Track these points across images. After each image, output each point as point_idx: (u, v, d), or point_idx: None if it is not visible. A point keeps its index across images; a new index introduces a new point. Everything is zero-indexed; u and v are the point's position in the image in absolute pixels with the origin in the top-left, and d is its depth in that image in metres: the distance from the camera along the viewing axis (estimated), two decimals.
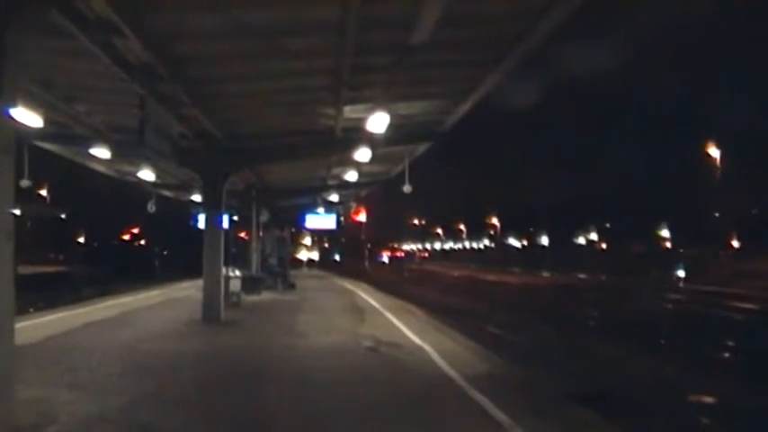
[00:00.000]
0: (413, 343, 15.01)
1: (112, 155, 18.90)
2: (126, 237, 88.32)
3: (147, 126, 12.61)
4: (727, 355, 18.58)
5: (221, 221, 19.87)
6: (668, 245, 72.17)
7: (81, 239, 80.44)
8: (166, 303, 24.61)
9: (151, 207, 33.40)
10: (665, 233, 74.49)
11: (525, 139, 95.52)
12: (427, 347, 14.15)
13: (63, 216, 72.87)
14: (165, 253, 64.69)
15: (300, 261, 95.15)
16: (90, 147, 18.09)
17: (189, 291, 28.33)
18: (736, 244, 56.18)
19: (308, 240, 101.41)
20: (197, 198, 30.51)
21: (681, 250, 61.77)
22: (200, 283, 20.05)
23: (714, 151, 50.41)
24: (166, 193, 34.11)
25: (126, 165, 24.21)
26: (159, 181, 28.81)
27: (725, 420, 11.48)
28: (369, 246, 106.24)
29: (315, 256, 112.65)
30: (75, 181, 43.20)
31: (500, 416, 8.43)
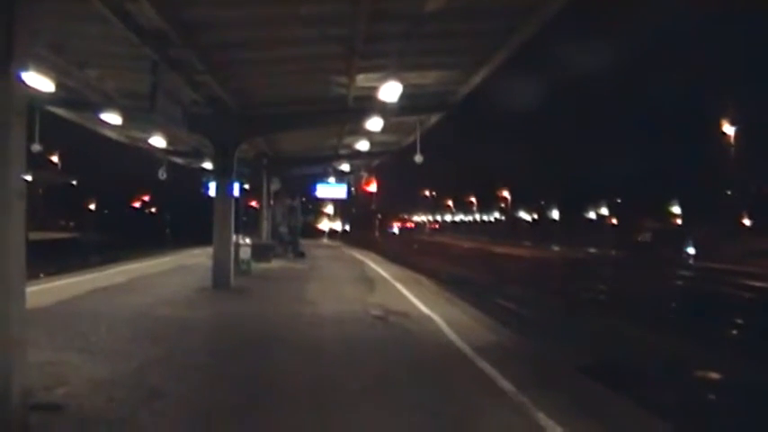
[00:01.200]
0: (421, 313, 15.05)
1: (124, 121, 18.89)
2: (137, 204, 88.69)
3: (158, 92, 12.60)
4: (735, 332, 18.56)
5: (232, 189, 19.89)
6: (679, 221, 71.88)
7: (92, 206, 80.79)
8: (176, 270, 24.71)
9: (162, 174, 33.41)
10: (676, 210, 74.18)
11: (539, 113, 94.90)
12: (436, 317, 14.19)
13: (74, 183, 73.23)
14: (174, 220, 64.79)
15: (321, 231, 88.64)
16: (101, 112, 18.08)
17: (199, 258, 28.44)
18: (747, 222, 55.94)
19: (329, 209, 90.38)
20: (208, 165, 30.51)
21: (682, 228, 61.63)
22: (210, 250, 20.11)
23: (728, 128, 50.12)
24: (177, 160, 34.11)
25: (137, 131, 24.22)
26: (170, 148, 28.82)
27: (732, 395, 11.50)
28: (379, 216, 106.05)
29: (337, 226, 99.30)
30: (87, 148, 43.31)
31: (506, 385, 8.46)
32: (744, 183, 55.55)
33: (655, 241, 54.45)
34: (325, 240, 73.17)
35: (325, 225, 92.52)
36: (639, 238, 57.66)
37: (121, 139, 26.58)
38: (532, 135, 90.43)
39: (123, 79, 16.16)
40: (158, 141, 24.14)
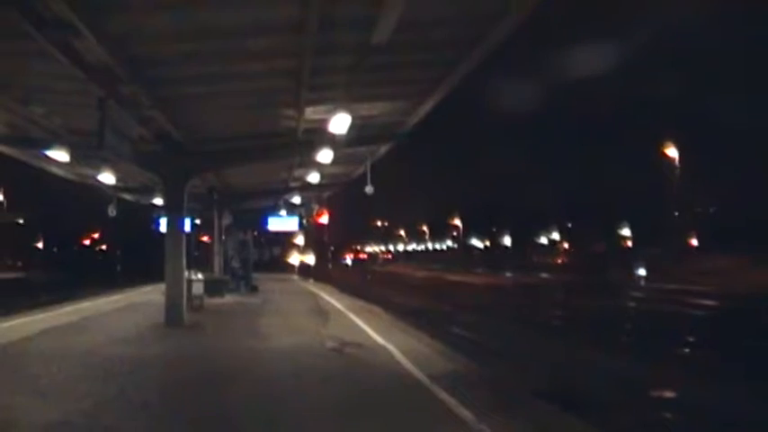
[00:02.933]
0: (376, 343, 15.03)
1: (71, 158, 18.65)
2: (86, 241, 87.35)
3: (106, 128, 12.50)
4: (688, 350, 18.86)
5: (183, 225, 19.70)
6: (629, 244, 72.96)
7: (40, 245, 79.34)
8: (128, 308, 24.35)
9: (112, 211, 32.99)
10: (626, 232, 75.31)
11: (486, 140, 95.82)
12: (391, 347, 14.19)
13: (21, 221, 71.94)
14: (125, 256, 64.01)
15: (290, 266, 74.85)
16: (47, 149, 17.85)
17: (151, 295, 28.08)
18: (695, 242, 57.02)
19: (300, 239, 74.93)
20: (159, 201, 30.23)
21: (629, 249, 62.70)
22: (162, 287, 19.89)
23: (672, 151, 51.15)
24: (127, 196, 33.71)
25: (85, 168, 23.90)
26: (120, 184, 28.49)
27: (687, 415, 11.66)
28: (332, 248, 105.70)
29: (311, 259, 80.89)
30: (33, 185, 42.68)
31: (464, 413, 8.49)
32: (690, 204, 56.64)
33: (606, 264, 55.16)
34: (294, 277, 61.86)
35: (295, 259, 78.02)
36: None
37: (69, 176, 26.22)
38: (482, 163, 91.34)
39: (70, 116, 15.98)
40: (107, 178, 23.87)
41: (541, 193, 75.11)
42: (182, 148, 18.50)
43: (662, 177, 53.36)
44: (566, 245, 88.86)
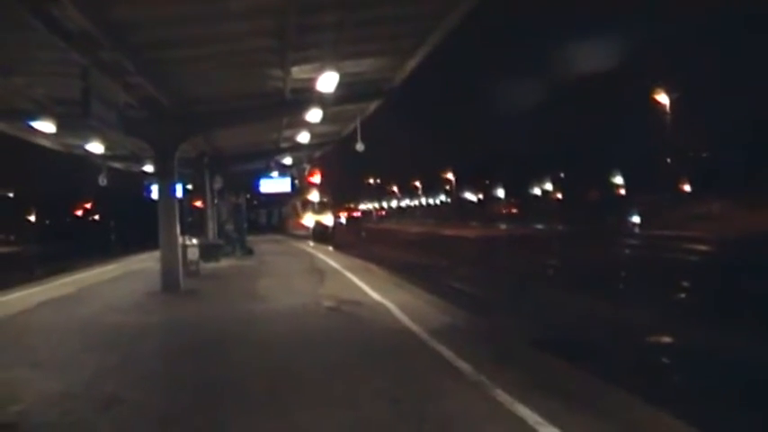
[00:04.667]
0: (374, 300, 15.07)
1: (57, 128, 18.51)
2: (78, 212, 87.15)
3: (91, 97, 12.35)
4: (683, 296, 18.97)
5: (175, 191, 19.63)
6: (622, 191, 73.00)
7: (32, 218, 79.16)
8: (124, 277, 24.35)
9: (102, 180, 32.88)
10: (618, 180, 75.31)
11: (475, 90, 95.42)
12: (388, 304, 14.22)
13: (11, 195, 71.68)
14: (118, 225, 63.84)
15: (305, 228, 60.96)
16: (32, 120, 17.69)
17: (146, 263, 28.08)
18: (687, 188, 57.05)
19: (314, 195, 63.21)
20: (149, 168, 30.08)
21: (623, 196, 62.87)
22: (157, 254, 19.88)
23: (663, 97, 50.92)
24: (117, 165, 33.58)
25: (73, 138, 23.75)
26: (109, 153, 28.37)
27: (684, 359, 11.74)
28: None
29: (328, 219, 64.96)
30: (21, 158, 42.40)
31: (463, 365, 8.52)
32: (682, 150, 56.54)
33: (600, 212, 55.34)
34: (311, 244, 46.15)
35: (309, 220, 62.57)
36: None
37: (57, 146, 26.04)
38: (473, 115, 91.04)
39: (53, 85, 15.81)
40: (96, 147, 23.73)
41: (533, 144, 74.90)
42: (169, 113, 18.35)
43: (653, 124, 53.15)
44: (558, 195, 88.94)
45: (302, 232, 58.92)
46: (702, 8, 46.75)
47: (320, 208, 64.78)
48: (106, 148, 25.40)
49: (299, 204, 64.79)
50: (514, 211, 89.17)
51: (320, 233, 56.53)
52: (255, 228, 63.86)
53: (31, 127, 18.59)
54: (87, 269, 28.33)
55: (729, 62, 47.63)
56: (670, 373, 11.16)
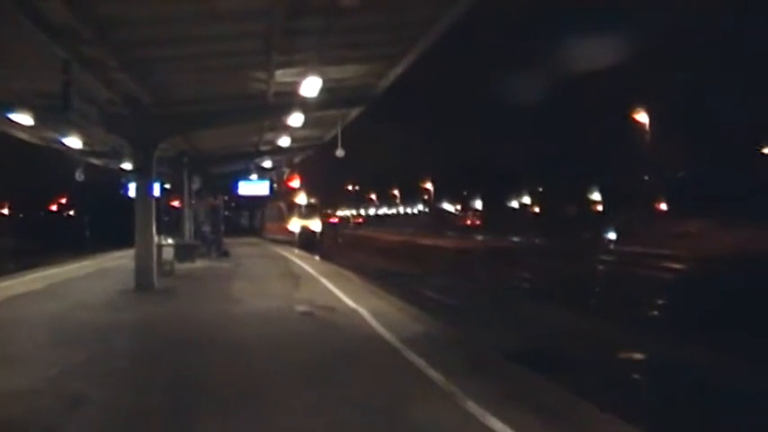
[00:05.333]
0: (348, 307, 15.04)
1: (36, 121, 18.32)
2: (53, 207, 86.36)
3: (71, 91, 12.27)
4: (655, 313, 19.11)
5: (152, 189, 19.52)
6: (599, 208, 73.44)
7: (5, 211, 78.36)
8: (98, 273, 24.17)
9: (79, 176, 32.59)
10: (596, 196, 75.75)
11: (460, 102, 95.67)
12: (362, 311, 14.19)
13: None
14: (94, 222, 63.30)
15: (290, 233, 54.36)
16: (11, 112, 17.50)
17: (121, 260, 27.84)
18: (664, 206, 57.53)
19: (301, 198, 57.65)
20: (127, 166, 29.87)
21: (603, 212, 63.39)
22: (132, 252, 19.73)
23: (643, 117, 51.31)
24: (95, 161, 33.29)
25: (51, 132, 23.53)
26: (87, 148, 28.13)
27: (655, 375, 11.84)
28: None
29: (316, 225, 58.06)
30: None
31: (434, 374, 8.52)
32: (660, 169, 57.04)
33: (576, 228, 55.67)
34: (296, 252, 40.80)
35: (294, 224, 55.80)
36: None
37: (35, 140, 25.78)
38: (454, 126, 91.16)
39: (34, 78, 15.65)
40: (74, 142, 23.53)
41: (513, 157, 75.16)
42: (151, 111, 18.25)
43: (632, 142, 53.56)
44: (536, 209, 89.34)
45: (283, 237, 53.25)
46: (683, 31, 47.28)
47: (308, 212, 58.44)
48: (84, 144, 25.18)
49: (283, 207, 59.20)
50: (478, 222, 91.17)
51: (307, 240, 50.73)
52: (237, 230, 63.42)
53: (9, 119, 18.38)
54: (60, 265, 28.05)
55: (707, 84, 48.17)
56: (639, 387, 11.26)
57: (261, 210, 72.91)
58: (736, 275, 23.84)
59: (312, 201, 61.54)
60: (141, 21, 12.04)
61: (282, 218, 58.92)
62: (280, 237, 54.82)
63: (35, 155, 32.46)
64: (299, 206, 58.50)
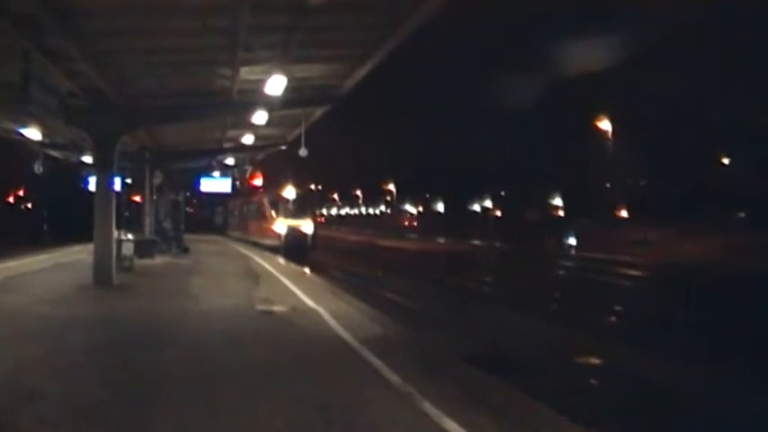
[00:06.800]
0: (307, 306, 15.04)
1: None
2: (10, 199, 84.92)
3: (31, 81, 12.10)
4: (613, 318, 19.36)
5: (113, 184, 19.31)
6: (561, 213, 74.15)
7: None
8: (55, 268, 23.82)
9: (38, 168, 32.14)
10: (557, 202, 76.45)
11: (422, 104, 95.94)
12: (321, 311, 14.21)
13: None
14: (52, 215, 62.43)
15: (275, 235, 42.84)
16: None
17: (79, 255, 27.49)
18: (624, 214, 58.32)
19: (289, 192, 46.26)
20: (88, 159, 29.54)
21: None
22: (91, 247, 19.50)
23: (605, 124, 51.93)
24: (55, 153, 32.88)
25: (9, 122, 23.18)
26: (47, 140, 27.77)
27: (610, 380, 12.01)
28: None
29: (307, 226, 44.43)
30: None
31: (392, 376, 8.55)
32: (621, 177, 57.84)
33: (537, 232, 56.15)
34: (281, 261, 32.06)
35: (280, 225, 43.29)
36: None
37: None
38: (419, 128, 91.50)
39: None
40: (33, 134, 23.21)
41: (476, 161, 75.56)
42: (113, 104, 18.05)
43: (594, 149, 54.20)
44: (498, 212, 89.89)
45: (270, 241, 42.71)
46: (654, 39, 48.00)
47: (296, 209, 45.43)
48: (44, 135, 24.85)
49: (266, 202, 46.80)
50: (415, 224, 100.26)
51: (295, 245, 39.96)
52: (201, 228, 62.44)
53: None
54: (16, 258, 27.61)
55: (670, 94, 48.89)
56: (593, 390, 11.43)
57: (224, 206, 67.51)
58: (688, 282, 24.26)
59: (303, 195, 48.70)
60: (105, 11, 11.91)
61: (265, 216, 45.83)
62: (264, 240, 43.81)
63: None
64: (286, 202, 45.65)
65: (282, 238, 41.73)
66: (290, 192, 45.45)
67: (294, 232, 42.44)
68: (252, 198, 52.08)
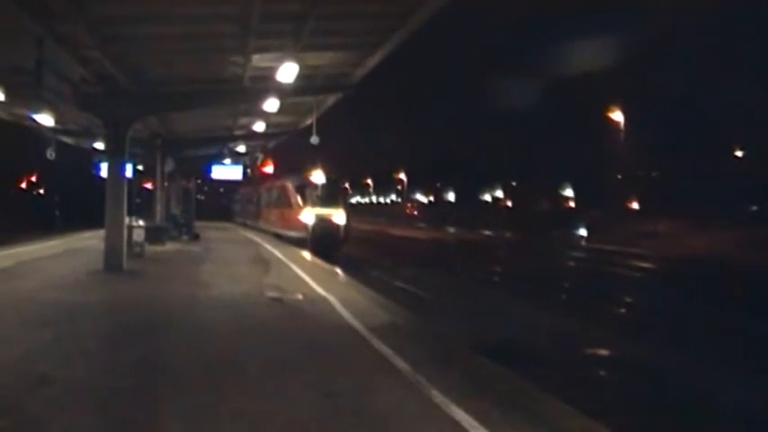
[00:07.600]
0: (317, 294, 15.04)
1: (7, 97, 18.09)
2: (23, 185, 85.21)
3: (44, 67, 12.13)
4: (623, 310, 19.33)
5: (125, 170, 19.36)
6: (572, 204, 73.97)
7: None
8: (66, 253, 23.94)
9: (51, 154, 32.24)
10: (568, 193, 76.27)
11: (441, 95, 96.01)
12: (332, 299, 14.21)
13: None
14: (64, 201, 62.58)
15: (301, 226, 35.41)
16: None
17: (91, 241, 27.61)
18: (635, 205, 58.13)
19: (318, 177, 37.53)
20: (100, 145, 29.60)
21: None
22: (102, 233, 19.58)
23: (618, 116, 51.73)
24: (67, 139, 32.99)
25: (22, 108, 23.24)
26: (59, 126, 27.84)
27: (619, 371, 12.00)
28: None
29: (339, 216, 35.88)
30: None
31: (401, 364, 8.55)
32: (632, 168, 57.59)
33: (548, 223, 56.04)
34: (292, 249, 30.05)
35: (308, 214, 35.75)
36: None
37: (5, 116, 25.45)
38: (430, 119, 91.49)
39: (5, 53, 15.44)
40: (46, 119, 23.26)
41: (488, 151, 75.56)
42: (125, 91, 18.10)
43: (606, 141, 53.99)
44: (508, 203, 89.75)
45: (296, 233, 35.93)
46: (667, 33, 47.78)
47: (326, 196, 37.53)
48: (57, 121, 24.91)
49: (291, 187, 38.98)
50: (416, 213, 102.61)
51: (325, 239, 33.58)
52: (212, 214, 62.15)
53: None
54: (28, 243, 27.75)
55: (683, 86, 48.71)
56: (601, 382, 11.42)
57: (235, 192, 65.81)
58: (696, 277, 24.21)
59: (334, 179, 39.88)
60: None
61: (290, 203, 38.58)
62: (288, 232, 37.52)
63: (5, 131, 31.98)
64: (315, 186, 37.86)
65: (309, 229, 34.99)
66: (318, 176, 37.75)
67: (324, 223, 35.33)
68: (274, 183, 45.15)
